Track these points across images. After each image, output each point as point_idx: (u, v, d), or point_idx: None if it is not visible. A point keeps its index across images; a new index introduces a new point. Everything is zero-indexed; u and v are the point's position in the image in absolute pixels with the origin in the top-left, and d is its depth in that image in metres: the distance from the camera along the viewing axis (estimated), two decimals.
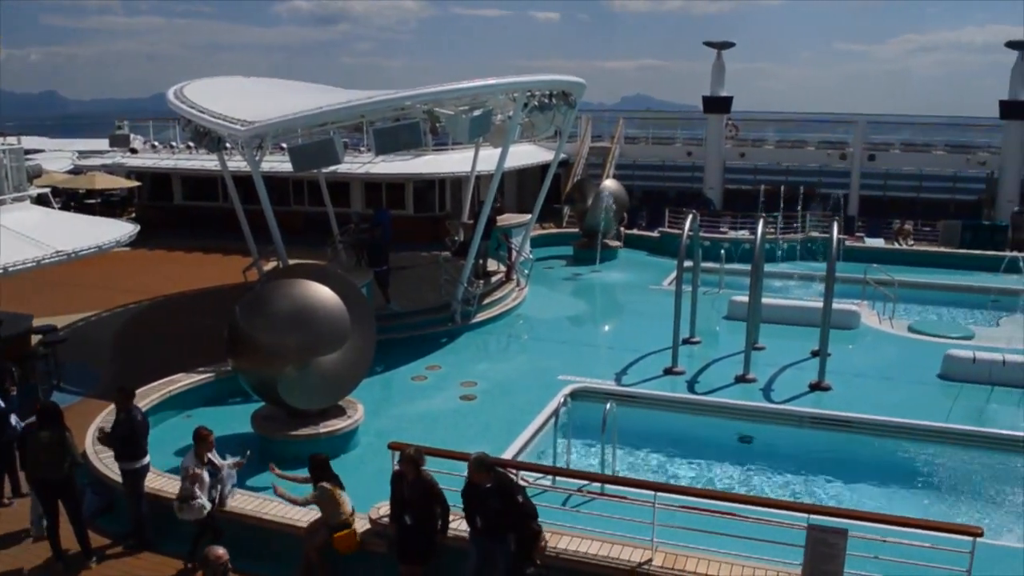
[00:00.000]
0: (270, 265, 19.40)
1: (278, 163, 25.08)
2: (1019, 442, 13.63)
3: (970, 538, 8.35)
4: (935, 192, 36.49)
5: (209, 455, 10.23)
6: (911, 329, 20.02)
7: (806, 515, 8.69)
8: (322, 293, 12.72)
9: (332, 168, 21.61)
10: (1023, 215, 30.14)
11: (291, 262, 16.47)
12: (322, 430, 12.76)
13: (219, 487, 10.33)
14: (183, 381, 14.71)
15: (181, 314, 21.27)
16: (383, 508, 9.86)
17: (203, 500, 9.95)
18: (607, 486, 10.90)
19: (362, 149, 29.92)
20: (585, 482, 11.13)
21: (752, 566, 9.02)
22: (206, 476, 10.03)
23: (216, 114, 16.89)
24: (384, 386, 15.96)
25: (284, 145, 21.66)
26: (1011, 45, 33.02)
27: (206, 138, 18.50)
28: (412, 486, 9.17)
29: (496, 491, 8.86)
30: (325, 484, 9.65)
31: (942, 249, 29.09)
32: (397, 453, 10.02)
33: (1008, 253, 26.39)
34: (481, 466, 8.89)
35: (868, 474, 13.05)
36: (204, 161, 31.03)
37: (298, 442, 12.49)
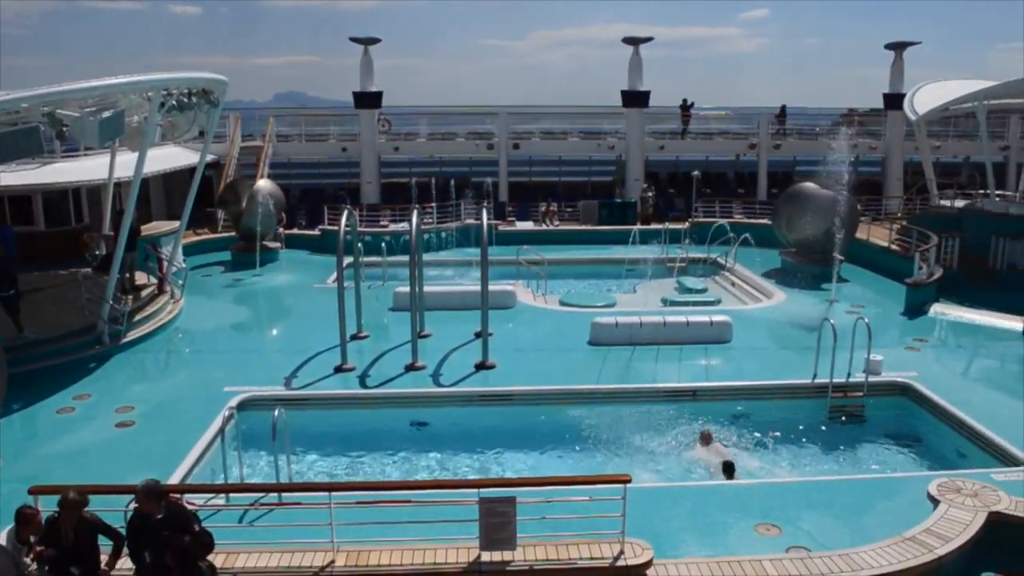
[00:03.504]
0: None
1: None
2: (658, 393, 15.29)
3: (621, 485, 9.17)
4: (574, 175, 39.76)
5: (33, 540, 8.22)
6: (562, 303, 21.63)
7: (477, 490, 9.04)
8: None
9: None
10: (648, 191, 33.64)
11: None
12: None
13: None
14: None
15: None
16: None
17: None
18: (284, 494, 10.59)
19: None
20: (261, 494, 10.73)
21: (433, 548, 9.24)
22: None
23: None
24: (24, 425, 14.20)
25: None
26: (627, 41, 36.68)
27: None
28: (76, 531, 8.27)
29: (168, 521, 8.24)
30: None
31: (583, 227, 31.74)
32: (42, 498, 9.00)
33: (636, 226, 29.32)
34: (151, 495, 8.17)
35: (534, 441, 13.93)
36: None
37: None
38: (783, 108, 39.29)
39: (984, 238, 24.48)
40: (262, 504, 10.56)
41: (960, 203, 28.27)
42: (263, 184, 27.77)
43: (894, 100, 35.98)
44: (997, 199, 27.31)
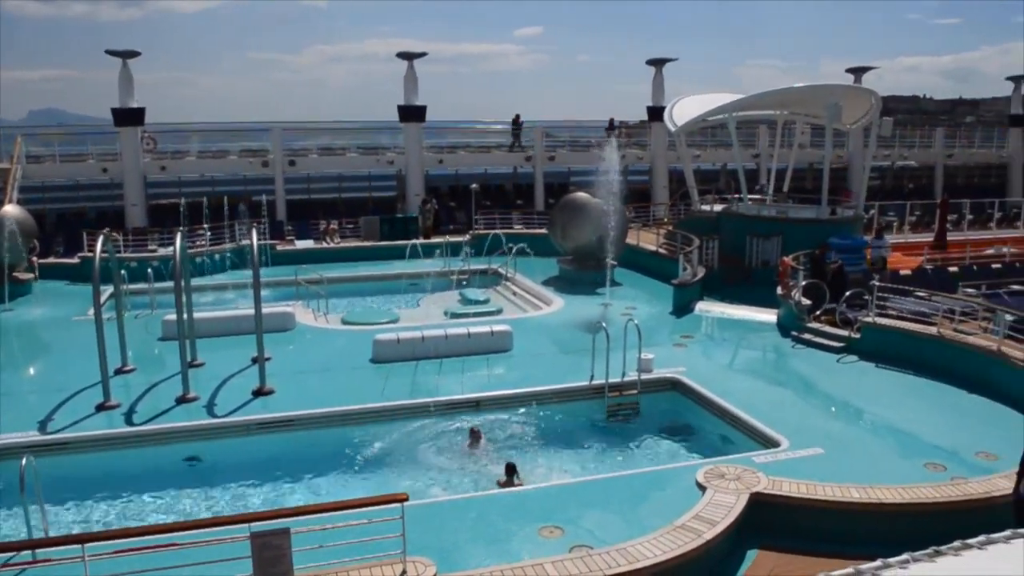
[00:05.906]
0: None
1: None
2: (442, 406, 15.28)
3: (398, 504, 9.02)
4: (355, 191, 39.25)
5: None
6: (344, 321, 21.22)
7: (247, 524, 8.59)
8: None
9: None
10: (427, 204, 33.76)
11: None
12: None
13: None
14: None
15: None
16: None
17: None
18: (37, 552, 9.61)
19: None
20: (9, 554, 9.70)
21: None
22: None
23: None
24: None
25: None
26: (402, 56, 36.70)
27: None
28: None
29: None
30: None
31: (365, 243, 31.40)
32: None
33: (418, 240, 29.35)
34: None
35: (318, 466, 13.50)
36: None
37: None
38: (517, 116, 40.18)
39: (740, 238, 26.42)
40: (10, 565, 9.56)
41: (718, 207, 30.36)
42: (9, 210, 25.47)
43: (656, 112, 38.14)
44: (750, 203, 29.53)
